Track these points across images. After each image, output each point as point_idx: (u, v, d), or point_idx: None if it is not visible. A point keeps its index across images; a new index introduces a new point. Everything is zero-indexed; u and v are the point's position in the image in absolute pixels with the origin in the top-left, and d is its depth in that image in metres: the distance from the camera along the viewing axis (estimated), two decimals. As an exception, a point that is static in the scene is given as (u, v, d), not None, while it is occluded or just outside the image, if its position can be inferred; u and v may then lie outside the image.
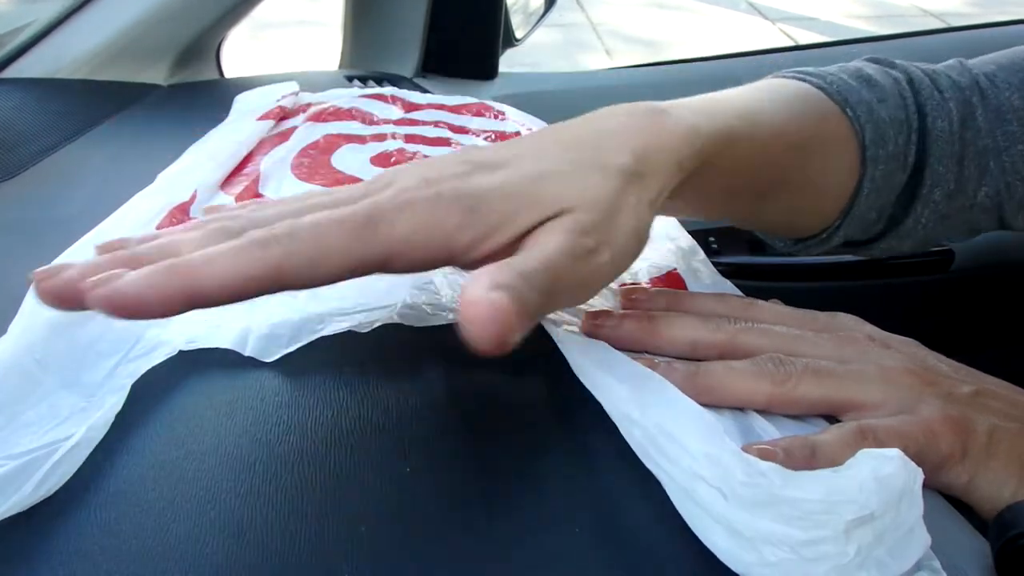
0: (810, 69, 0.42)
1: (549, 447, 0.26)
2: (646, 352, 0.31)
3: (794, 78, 0.41)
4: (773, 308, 0.34)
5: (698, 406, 0.25)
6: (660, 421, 0.25)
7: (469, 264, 0.26)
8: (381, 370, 0.29)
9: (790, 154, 0.36)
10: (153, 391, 0.28)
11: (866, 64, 0.43)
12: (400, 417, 0.27)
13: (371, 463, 0.25)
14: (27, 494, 0.23)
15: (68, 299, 0.22)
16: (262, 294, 0.22)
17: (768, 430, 0.28)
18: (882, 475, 0.21)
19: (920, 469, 0.22)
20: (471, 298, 0.21)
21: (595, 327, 0.31)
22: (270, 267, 0.22)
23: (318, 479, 0.24)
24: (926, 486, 0.28)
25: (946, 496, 0.29)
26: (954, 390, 0.29)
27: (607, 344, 0.31)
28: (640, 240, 0.28)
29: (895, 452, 0.22)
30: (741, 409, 0.29)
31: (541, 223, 0.25)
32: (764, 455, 0.25)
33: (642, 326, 0.31)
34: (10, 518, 0.22)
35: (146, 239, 0.25)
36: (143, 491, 0.24)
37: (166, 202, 0.38)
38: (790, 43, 3.00)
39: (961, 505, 0.29)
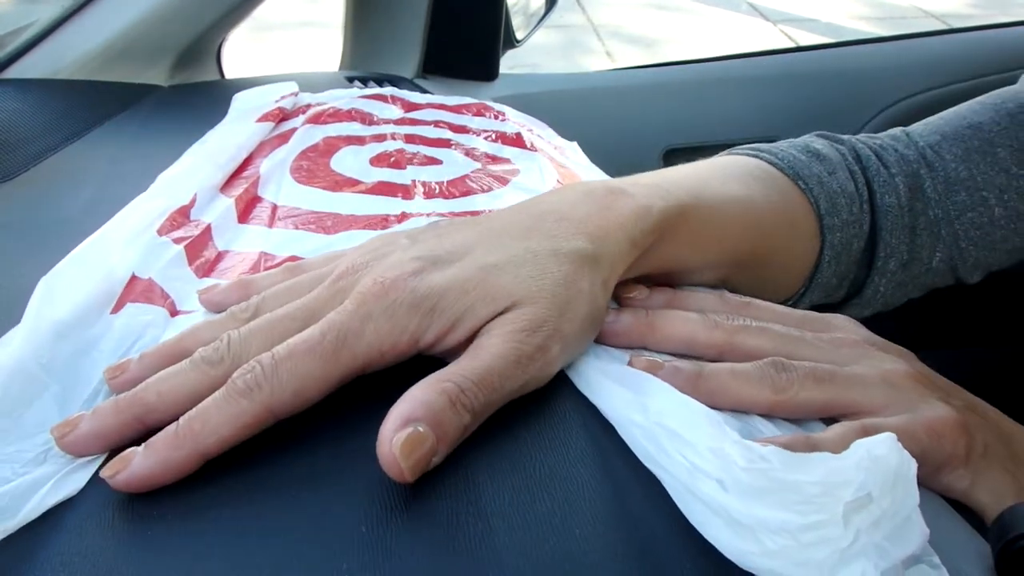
0: (762, 146, 0.43)
1: (551, 448, 0.26)
2: (644, 349, 0.31)
3: (746, 154, 0.43)
4: (770, 307, 0.34)
5: (697, 403, 0.25)
6: (660, 420, 0.25)
7: (439, 355, 0.27)
8: (380, 373, 0.29)
9: (748, 227, 0.38)
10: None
11: (815, 139, 0.45)
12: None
13: (371, 463, 0.25)
14: (43, 500, 0.23)
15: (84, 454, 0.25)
16: (260, 430, 0.25)
17: (768, 428, 0.28)
18: (877, 455, 0.21)
19: (913, 458, 0.22)
20: (381, 436, 0.23)
21: None
22: (260, 411, 0.24)
23: (317, 480, 0.24)
24: (928, 487, 0.28)
25: (946, 499, 0.29)
26: (951, 400, 0.29)
27: (604, 347, 0.31)
28: (594, 323, 0.29)
29: (887, 435, 0.22)
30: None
31: (494, 316, 0.27)
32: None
33: (639, 321, 0.31)
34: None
35: (144, 362, 0.27)
36: (145, 491, 0.24)
37: (166, 205, 0.38)
38: (791, 44, 3.00)
39: (961, 507, 0.29)
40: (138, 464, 0.23)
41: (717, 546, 0.22)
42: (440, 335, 0.26)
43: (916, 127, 0.47)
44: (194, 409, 0.24)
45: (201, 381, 0.25)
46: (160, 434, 0.24)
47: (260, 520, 0.23)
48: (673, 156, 0.89)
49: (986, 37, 1.02)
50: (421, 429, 0.23)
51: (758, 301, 0.34)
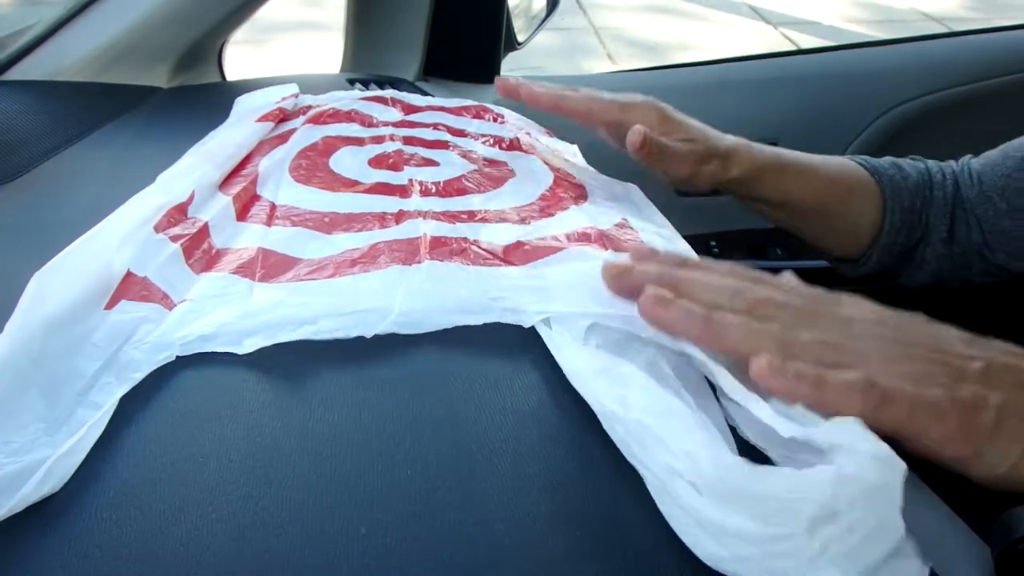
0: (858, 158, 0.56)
1: (547, 449, 0.26)
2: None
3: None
4: (786, 281, 0.34)
5: (680, 403, 0.25)
6: (641, 417, 0.25)
7: None
8: (380, 375, 0.29)
9: (829, 187, 0.52)
10: (153, 394, 0.28)
11: (904, 161, 0.58)
12: (399, 421, 0.27)
13: (371, 466, 0.25)
14: (30, 491, 0.23)
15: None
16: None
17: (764, 409, 0.28)
18: (847, 473, 0.21)
19: (903, 463, 0.22)
20: None
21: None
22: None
23: (318, 481, 0.24)
24: (931, 460, 0.28)
25: (946, 500, 0.29)
26: (965, 367, 0.29)
27: (594, 338, 0.31)
28: None
29: (864, 454, 0.22)
30: (740, 404, 0.29)
31: None
32: (774, 371, 0.27)
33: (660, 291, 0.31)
34: (12, 520, 0.22)
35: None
36: (144, 493, 0.24)
37: (164, 202, 0.38)
38: (792, 47, 3.00)
39: (961, 510, 0.28)
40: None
41: (692, 549, 0.23)
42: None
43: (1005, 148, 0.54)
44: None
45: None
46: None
47: (260, 522, 0.23)
48: (673, 158, 0.89)
49: (985, 40, 1.02)
50: None
51: (769, 276, 0.34)
